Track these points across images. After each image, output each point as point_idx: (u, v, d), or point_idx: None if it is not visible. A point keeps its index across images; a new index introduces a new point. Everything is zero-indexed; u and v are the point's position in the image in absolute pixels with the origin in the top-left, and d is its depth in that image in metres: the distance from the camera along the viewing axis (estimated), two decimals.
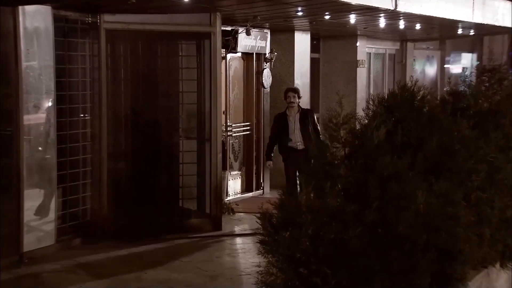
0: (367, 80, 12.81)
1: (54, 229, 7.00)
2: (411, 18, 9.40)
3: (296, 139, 8.16)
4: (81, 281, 6.07)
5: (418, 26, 10.63)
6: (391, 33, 12.05)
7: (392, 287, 2.73)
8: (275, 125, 8.53)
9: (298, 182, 7.64)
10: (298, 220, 2.85)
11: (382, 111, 3.34)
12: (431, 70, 16.67)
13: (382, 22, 9.70)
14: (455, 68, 17.16)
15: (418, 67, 15.93)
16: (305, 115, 8.24)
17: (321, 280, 2.68)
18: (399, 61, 14.36)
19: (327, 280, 2.67)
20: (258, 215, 3.14)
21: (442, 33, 13.38)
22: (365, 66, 12.46)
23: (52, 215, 6.98)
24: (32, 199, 6.73)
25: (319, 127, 8.30)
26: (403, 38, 13.78)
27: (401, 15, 9.04)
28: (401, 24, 10.11)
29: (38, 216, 6.88)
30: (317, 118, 10.71)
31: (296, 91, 8.39)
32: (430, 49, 16.20)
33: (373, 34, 12.01)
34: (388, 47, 13.87)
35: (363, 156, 2.95)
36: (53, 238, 6.98)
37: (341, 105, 3.10)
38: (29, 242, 6.67)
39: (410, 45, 14.34)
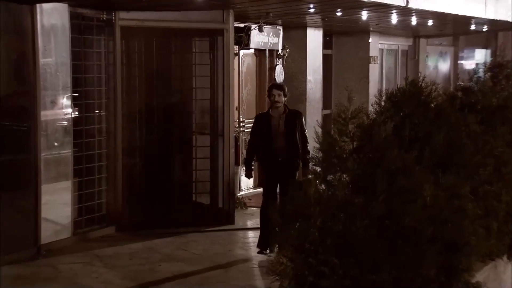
0: (379, 76, 12.85)
1: (70, 222, 7.14)
2: (423, 14, 9.43)
3: (280, 146, 6.74)
4: (97, 273, 6.21)
5: (430, 23, 10.65)
6: (404, 29, 12.07)
7: (398, 277, 2.82)
8: (255, 127, 7.03)
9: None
10: (307, 212, 2.94)
11: (390, 106, 3.43)
12: (444, 66, 16.65)
13: (394, 19, 9.73)
14: (468, 64, 17.11)
15: (431, 63, 15.93)
16: (292, 118, 6.81)
17: (329, 269, 2.77)
18: (411, 57, 14.37)
19: (335, 270, 2.76)
20: None
21: (455, 29, 13.37)
22: (378, 62, 12.51)
23: (68, 208, 7.12)
24: (49, 193, 6.86)
25: (306, 132, 6.85)
26: (416, 34, 13.79)
27: (413, 11, 9.07)
28: (413, 21, 10.14)
29: (55, 209, 7.03)
30: (326, 115, 10.71)
31: (282, 88, 6.95)
32: (444, 45, 16.17)
33: (386, 31, 12.04)
34: (401, 43, 13.89)
35: (371, 150, 3.03)
36: (70, 231, 7.13)
37: (350, 100, 3.19)
38: (47, 235, 6.82)
39: (423, 41, 14.34)
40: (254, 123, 7.14)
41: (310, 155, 6.57)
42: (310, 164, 3.26)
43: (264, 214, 6.69)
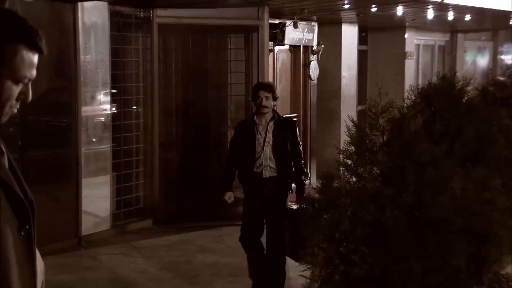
0: (415, 72, 12.77)
1: (109, 215, 7.34)
2: (460, 9, 9.35)
3: (266, 161, 5.24)
4: (135, 263, 6.39)
5: (468, 17, 10.54)
6: (440, 24, 11.97)
7: (427, 266, 2.88)
8: (236, 138, 5.52)
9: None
10: (338, 203, 3.02)
11: (420, 100, 3.48)
12: (483, 61, 16.43)
13: (430, 14, 9.68)
14: (508, 59, 16.82)
15: (469, 58, 15.74)
16: (283, 127, 5.32)
17: (359, 258, 2.85)
18: (449, 53, 14.22)
19: (365, 258, 2.84)
20: None
21: (494, 24, 13.18)
22: (413, 58, 12.43)
23: (107, 202, 7.32)
24: (89, 186, 7.06)
25: (301, 146, 5.45)
26: (453, 29, 13.65)
27: (450, 6, 9.02)
28: (450, 16, 10.06)
29: (95, 202, 7.24)
30: (361, 110, 10.62)
31: (271, 88, 5.34)
32: (482, 40, 15.95)
33: (422, 26, 11.95)
34: (438, 38, 13.76)
35: (401, 143, 3.10)
36: (109, 223, 7.33)
37: (381, 95, 3.25)
38: (87, 227, 7.03)
39: (460, 36, 14.18)
40: (234, 133, 5.63)
41: (306, 175, 5.54)
42: (341, 157, 3.31)
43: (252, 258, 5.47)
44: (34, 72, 1.63)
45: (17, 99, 1.62)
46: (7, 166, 1.62)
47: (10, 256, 1.55)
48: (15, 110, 1.64)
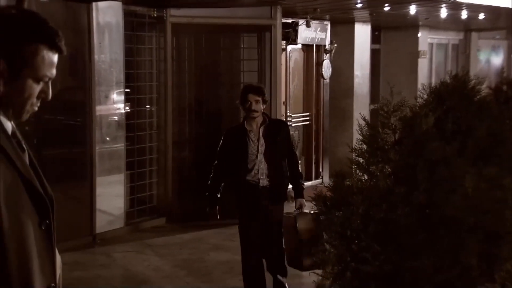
0: (428, 71, 12.75)
1: (123, 213, 7.42)
2: (473, 8, 9.32)
3: (259, 169, 4.97)
4: (149, 261, 6.45)
5: (481, 16, 10.51)
6: (454, 23, 11.93)
7: (438, 264, 2.90)
8: (224, 146, 5.15)
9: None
10: (349, 201, 3.05)
11: (432, 99, 3.49)
12: (497, 60, 16.35)
13: (444, 13, 9.66)
14: None
15: (483, 57, 15.67)
16: (275, 130, 5.05)
17: (371, 255, 2.87)
18: (462, 52, 14.17)
19: (377, 256, 2.87)
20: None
21: (508, 22, 13.11)
22: (427, 56, 12.40)
23: (121, 200, 7.40)
24: (103, 185, 7.13)
25: (295, 149, 5.32)
26: (467, 28, 13.60)
27: (463, 5, 9.00)
28: (464, 14, 10.04)
29: (109, 201, 7.31)
30: (374, 109, 10.63)
31: (260, 92, 5.04)
32: (497, 38, 15.87)
33: (436, 25, 11.93)
34: (451, 37, 13.72)
35: (412, 142, 3.12)
36: (123, 222, 7.40)
37: (392, 93, 3.28)
38: (101, 225, 7.11)
39: (474, 35, 14.13)
40: (223, 141, 5.18)
41: (303, 180, 5.23)
42: (353, 155, 3.32)
43: (250, 272, 5.23)
44: (54, 71, 1.68)
45: (37, 98, 1.68)
46: (28, 163, 1.67)
47: (31, 250, 1.60)
48: (36, 108, 1.69)
